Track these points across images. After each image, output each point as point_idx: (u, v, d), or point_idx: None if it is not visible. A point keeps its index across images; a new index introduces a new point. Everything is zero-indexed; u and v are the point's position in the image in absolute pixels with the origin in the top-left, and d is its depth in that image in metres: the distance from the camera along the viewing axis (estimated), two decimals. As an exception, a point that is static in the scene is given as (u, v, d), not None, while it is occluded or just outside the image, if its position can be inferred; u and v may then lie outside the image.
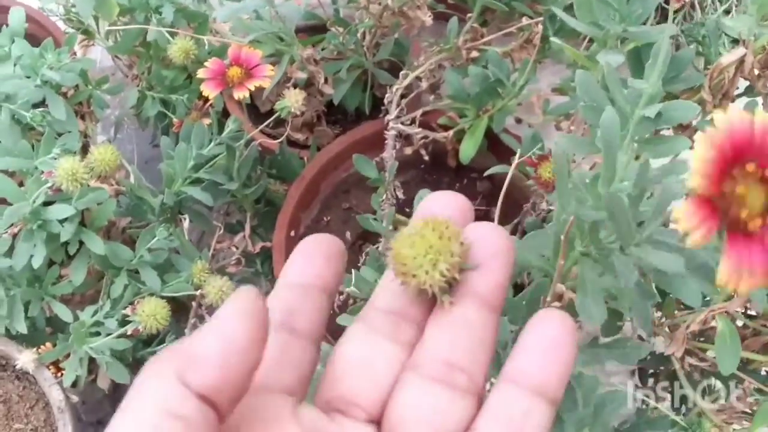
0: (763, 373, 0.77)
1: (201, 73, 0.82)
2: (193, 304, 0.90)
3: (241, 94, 0.80)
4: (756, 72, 0.65)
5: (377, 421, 0.31)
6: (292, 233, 0.93)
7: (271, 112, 1.09)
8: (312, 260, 0.33)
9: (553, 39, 0.68)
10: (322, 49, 0.98)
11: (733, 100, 0.68)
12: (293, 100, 0.84)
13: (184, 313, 0.94)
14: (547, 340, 0.30)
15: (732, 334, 0.62)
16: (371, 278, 0.72)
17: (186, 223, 0.92)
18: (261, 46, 0.86)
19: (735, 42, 0.71)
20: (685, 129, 0.68)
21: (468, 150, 0.90)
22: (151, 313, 0.75)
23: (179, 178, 0.92)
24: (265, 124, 0.90)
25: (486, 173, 0.83)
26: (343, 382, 0.31)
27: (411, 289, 0.31)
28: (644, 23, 0.65)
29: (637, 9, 0.62)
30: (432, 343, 0.31)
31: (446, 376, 0.30)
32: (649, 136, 0.59)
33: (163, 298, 0.89)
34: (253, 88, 0.81)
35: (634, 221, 0.40)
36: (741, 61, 0.63)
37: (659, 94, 0.57)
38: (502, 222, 0.97)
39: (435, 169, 1.02)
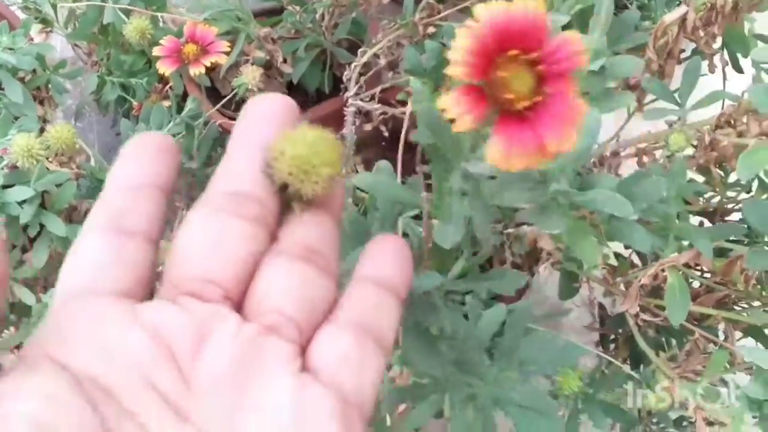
0: (720, 335, 0.78)
1: (156, 51, 0.82)
2: (158, 285, 0.90)
3: (197, 70, 0.81)
4: (700, 33, 0.67)
5: (236, 301, 0.30)
6: (255, 212, 0.93)
7: (232, 94, 1.10)
8: (140, 159, 0.32)
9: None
10: (280, 29, 0.98)
11: (679, 61, 0.70)
12: (251, 77, 0.85)
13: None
14: (389, 250, 0.34)
15: (681, 287, 0.63)
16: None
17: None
18: (217, 24, 0.86)
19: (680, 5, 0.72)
20: (634, 88, 0.70)
21: (426, 123, 0.91)
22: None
23: (139, 159, 0.92)
24: (222, 102, 0.91)
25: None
26: (192, 261, 0.30)
27: (282, 186, 0.32)
28: (589, -15, 0.66)
29: (582, -30, 0.63)
30: (289, 234, 0.31)
31: (308, 256, 0.31)
32: (598, 93, 0.60)
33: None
34: (208, 64, 0.81)
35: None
36: (683, 20, 0.64)
37: (604, 50, 0.59)
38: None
39: (395, 145, 1.03)
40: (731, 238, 0.75)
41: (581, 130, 0.46)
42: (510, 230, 0.76)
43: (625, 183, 0.59)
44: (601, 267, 0.73)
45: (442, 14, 0.95)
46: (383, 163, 0.78)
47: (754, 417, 0.59)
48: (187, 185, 0.99)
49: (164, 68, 0.81)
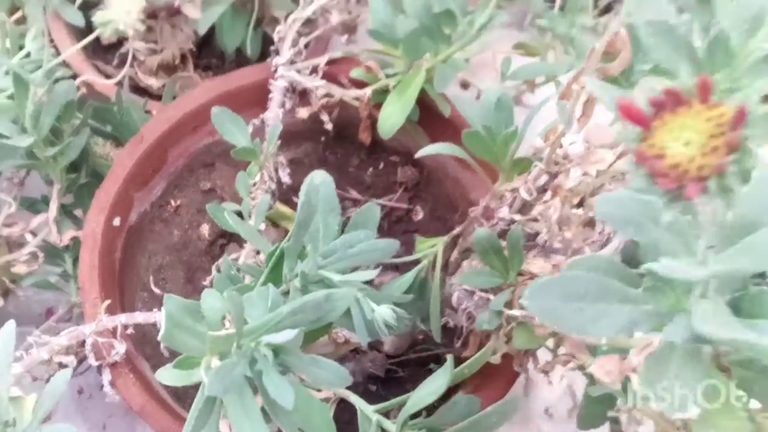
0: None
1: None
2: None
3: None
4: None
5: None
6: (117, 221, 0.61)
7: (118, 45, 0.77)
8: None
9: None
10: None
11: None
12: (123, 11, 0.53)
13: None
14: None
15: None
16: (214, 310, 0.41)
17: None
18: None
19: None
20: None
21: (392, 118, 0.61)
22: None
23: (-58, 123, 0.59)
24: (85, 42, 0.59)
25: (418, 154, 0.53)
26: None
27: None
28: None
29: None
30: None
31: None
32: None
33: None
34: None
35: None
36: None
37: None
38: (429, 229, 0.68)
39: (340, 144, 0.72)
40: None
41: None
42: (512, 311, 0.47)
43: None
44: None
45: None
46: (319, 177, 0.47)
47: None
48: (19, 168, 0.66)
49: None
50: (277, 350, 0.36)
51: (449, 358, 0.40)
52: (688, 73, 0.28)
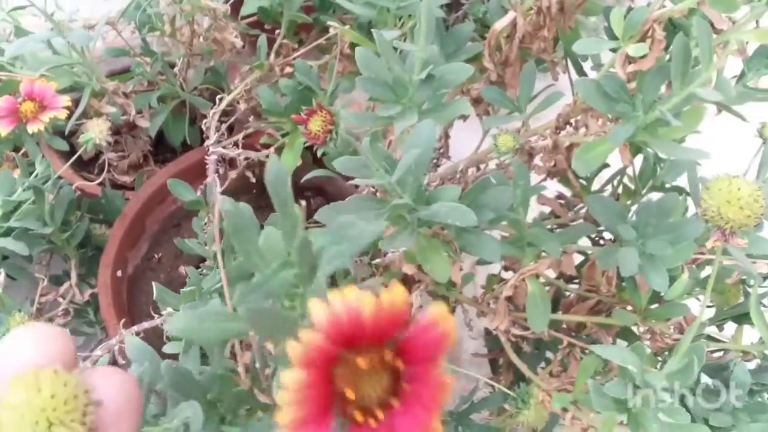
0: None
1: (-9, 112, 0.77)
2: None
3: (36, 127, 0.76)
4: (533, 39, 0.66)
5: None
6: (119, 273, 0.88)
7: (96, 158, 1.06)
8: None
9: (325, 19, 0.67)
10: (132, 82, 0.95)
11: (520, 67, 0.69)
12: (97, 131, 0.81)
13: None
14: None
15: (542, 295, 0.61)
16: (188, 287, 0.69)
17: (1, 277, 0.86)
18: (57, 79, 0.82)
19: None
20: (480, 101, 0.69)
21: (288, 163, 0.89)
22: None
23: (-12, 230, 0.86)
24: (72, 160, 0.87)
25: (304, 179, 0.81)
26: None
27: None
28: (418, 0, 0.65)
29: (407, -16, 0.63)
30: None
31: None
32: (433, 104, 0.59)
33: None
34: (47, 120, 0.77)
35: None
36: (514, 26, 0.63)
37: (434, 60, 0.57)
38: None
39: (266, 192, 1.00)
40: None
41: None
42: (377, 260, 0.74)
43: (470, 193, 0.57)
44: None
45: (297, 53, 0.93)
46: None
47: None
48: (44, 252, 0.93)
49: (1, 129, 0.77)
50: (222, 295, 0.63)
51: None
52: (391, 97, 0.57)
